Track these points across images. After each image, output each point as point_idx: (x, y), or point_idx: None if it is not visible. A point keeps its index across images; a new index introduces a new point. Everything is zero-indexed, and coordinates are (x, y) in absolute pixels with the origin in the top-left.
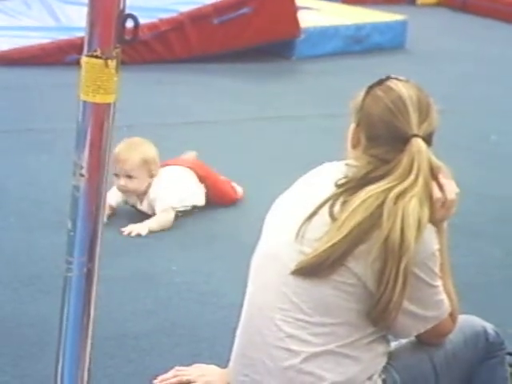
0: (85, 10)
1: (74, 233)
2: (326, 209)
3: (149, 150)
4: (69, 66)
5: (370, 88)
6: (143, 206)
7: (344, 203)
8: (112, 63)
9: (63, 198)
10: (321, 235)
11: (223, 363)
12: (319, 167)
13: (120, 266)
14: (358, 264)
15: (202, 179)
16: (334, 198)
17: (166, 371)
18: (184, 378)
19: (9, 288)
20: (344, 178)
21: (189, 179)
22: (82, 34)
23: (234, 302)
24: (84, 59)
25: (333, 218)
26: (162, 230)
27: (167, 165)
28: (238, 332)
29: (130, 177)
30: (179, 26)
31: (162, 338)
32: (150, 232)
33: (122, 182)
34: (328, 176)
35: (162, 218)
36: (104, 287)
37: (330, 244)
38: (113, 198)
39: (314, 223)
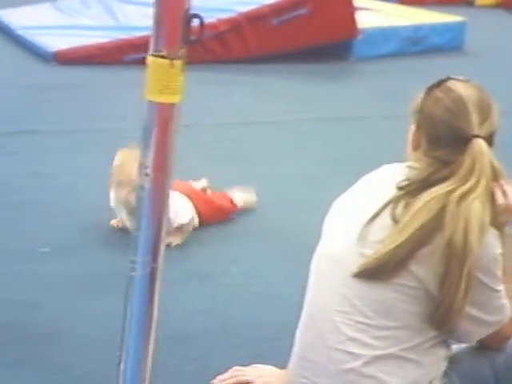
0: (143, 10)
1: (139, 232)
2: (388, 211)
3: None
4: (127, 66)
5: (430, 89)
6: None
7: (406, 205)
8: (177, 63)
9: None
10: (383, 237)
11: (284, 364)
12: (380, 169)
13: (180, 265)
14: (420, 267)
15: (196, 206)
16: (395, 201)
17: (225, 371)
18: (242, 379)
19: (73, 284)
20: (406, 180)
21: (181, 203)
22: (140, 33)
23: (294, 304)
24: (150, 59)
25: (395, 220)
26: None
27: None
28: (298, 334)
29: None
30: (237, 27)
31: (221, 338)
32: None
33: (125, 193)
34: (389, 178)
35: (185, 230)
36: (164, 287)
37: (392, 247)
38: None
39: (376, 225)
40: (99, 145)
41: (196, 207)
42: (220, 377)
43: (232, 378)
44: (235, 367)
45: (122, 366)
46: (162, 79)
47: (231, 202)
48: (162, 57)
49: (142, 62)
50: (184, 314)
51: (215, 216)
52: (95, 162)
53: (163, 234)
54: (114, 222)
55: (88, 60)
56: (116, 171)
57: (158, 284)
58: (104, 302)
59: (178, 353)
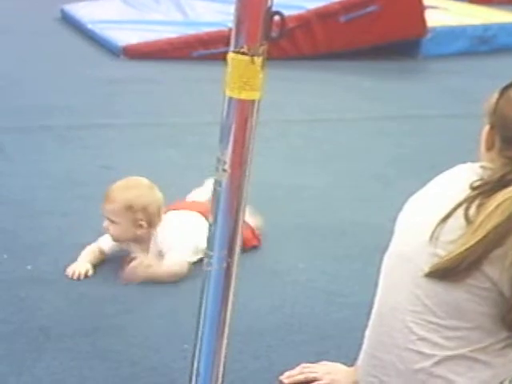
0: (212, 5)
1: (215, 227)
2: (461, 211)
3: (143, 196)
4: (196, 61)
5: (504, 90)
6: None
7: (479, 206)
8: (258, 60)
9: (190, 191)
10: (456, 238)
11: (349, 362)
12: (453, 168)
13: (246, 262)
14: (493, 268)
15: None
16: (469, 201)
17: (292, 368)
18: (310, 375)
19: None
20: (479, 180)
21: (200, 226)
22: (208, 29)
23: (360, 302)
24: (231, 55)
25: (468, 220)
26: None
27: (175, 209)
28: (368, 332)
29: (112, 221)
30: (306, 23)
31: (288, 334)
32: (153, 278)
33: (105, 223)
34: (463, 178)
35: (173, 270)
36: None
37: (465, 247)
38: (106, 241)
39: (449, 225)
40: (167, 140)
41: None
42: (288, 373)
43: (300, 374)
44: (303, 364)
45: (195, 360)
46: (242, 76)
47: (253, 233)
48: (243, 53)
49: (210, 57)
50: (250, 311)
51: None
52: (163, 156)
53: (239, 229)
54: (71, 272)
55: (156, 55)
56: (103, 199)
57: (233, 279)
58: (174, 296)
59: (244, 349)
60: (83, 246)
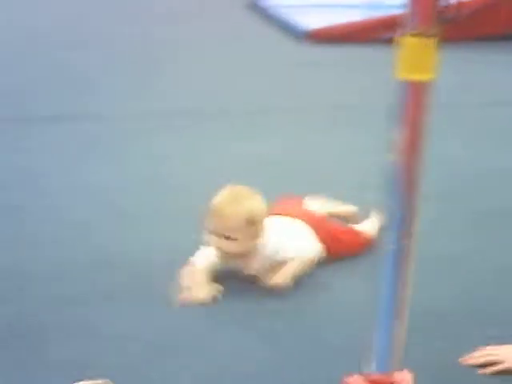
0: None
1: (393, 207)
2: None
3: (257, 205)
4: (380, 44)
5: None
6: (251, 270)
7: None
8: (431, 41)
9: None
10: None
11: None
12: None
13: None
14: None
15: (316, 231)
16: None
17: (474, 350)
18: (492, 358)
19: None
20: None
21: (302, 230)
22: (393, 11)
23: None
24: (404, 37)
25: None
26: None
27: (274, 214)
28: None
29: (228, 238)
30: (491, 3)
31: (469, 318)
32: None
33: (216, 242)
34: None
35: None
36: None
37: None
38: (207, 259)
39: None
40: (349, 121)
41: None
42: (470, 355)
43: (482, 356)
44: (489, 346)
45: (375, 340)
46: (415, 57)
47: (357, 234)
48: (417, 35)
49: (392, 41)
50: (429, 295)
51: (342, 251)
52: (344, 138)
53: (416, 209)
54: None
55: (340, 39)
56: (212, 215)
57: (410, 260)
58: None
59: (425, 330)
60: None
